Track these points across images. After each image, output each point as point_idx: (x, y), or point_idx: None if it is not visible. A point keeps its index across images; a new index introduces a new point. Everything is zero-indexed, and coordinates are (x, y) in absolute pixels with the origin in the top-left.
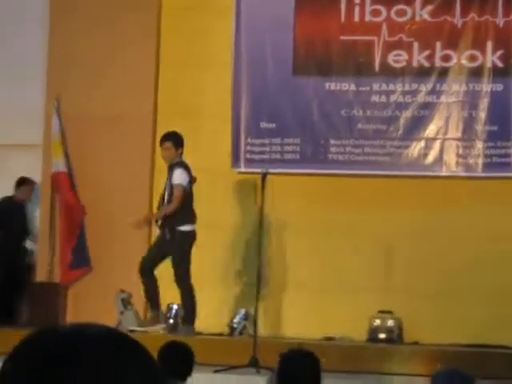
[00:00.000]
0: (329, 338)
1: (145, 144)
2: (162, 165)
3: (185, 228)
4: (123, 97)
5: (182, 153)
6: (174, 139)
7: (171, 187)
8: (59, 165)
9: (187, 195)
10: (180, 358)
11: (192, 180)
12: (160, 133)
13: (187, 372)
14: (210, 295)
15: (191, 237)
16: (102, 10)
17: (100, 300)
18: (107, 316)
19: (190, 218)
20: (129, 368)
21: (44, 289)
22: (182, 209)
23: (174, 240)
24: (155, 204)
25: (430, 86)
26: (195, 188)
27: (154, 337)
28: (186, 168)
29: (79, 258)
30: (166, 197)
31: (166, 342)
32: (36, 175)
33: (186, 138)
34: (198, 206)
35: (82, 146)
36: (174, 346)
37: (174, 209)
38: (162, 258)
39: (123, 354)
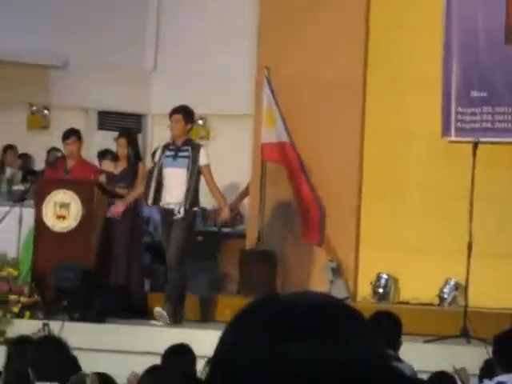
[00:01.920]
0: None
1: (354, 109)
2: (371, 130)
3: (196, 208)
4: (333, 62)
5: (191, 129)
6: (185, 112)
7: (195, 166)
8: (272, 134)
9: None
10: (389, 328)
11: None
12: (370, 98)
13: (396, 342)
14: (420, 264)
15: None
16: None
17: (308, 269)
18: (315, 285)
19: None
20: (352, 336)
21: (255, 256)
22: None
23: (184, 219)
24: (366, 169)
25: None
26: (405, 156)
27: (362, 306)
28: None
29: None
30: (186, 176)
31: (376, 311)
32: (247, 145)
33: (395, 104)
34: (409, 175)
35: (292, 113)
36: (383, 315)
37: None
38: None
39: (345, 322)
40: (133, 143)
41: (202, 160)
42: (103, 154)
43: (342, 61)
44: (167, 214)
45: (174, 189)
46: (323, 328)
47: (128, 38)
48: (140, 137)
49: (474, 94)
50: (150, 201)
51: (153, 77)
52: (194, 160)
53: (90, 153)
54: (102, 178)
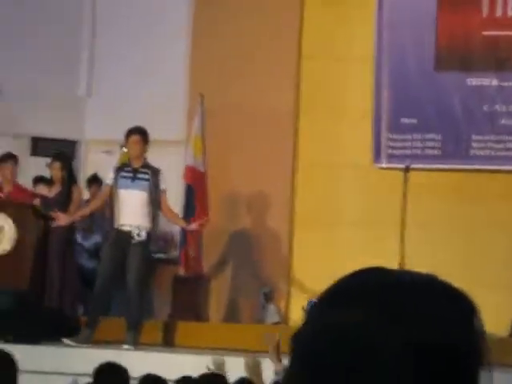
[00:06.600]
0: None
1: (286, 138)
2: (303, 160)
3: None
4: (265, 91)
5: (147, 150)
6: (143, 133)
7: (157, 190)
8: (198, 162)
9: None
10: None
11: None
12: (302, 127)
13: None
14: None
15: None
16: (243, 5)
17: (242, 294)
18: (246, 311)
19: None
20: (450, 312)
21: (188, 282)
22: None
23: (143, 243)
24: (297, 199)
25: None
26: (337, 183)
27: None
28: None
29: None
30: (145, 199)
31: None
32: (178, 172)
33: (327, 133)
34: (340, 202)
35: (223, 140)
36: None
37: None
38: None
39: (446, 300)
40: (67, 167)
41: (162, 185)
42: (38, 180)
43: (273, 89)
44: (121, 236)
45: (131, 211)
46: (425, 305)
47: (62, 63)
48: (74, 162)
49: (405, 120)
50: (120, 222)
51: (86, 102)
52: (156, 184)
53: (22, 179)
54: (36, 202)
